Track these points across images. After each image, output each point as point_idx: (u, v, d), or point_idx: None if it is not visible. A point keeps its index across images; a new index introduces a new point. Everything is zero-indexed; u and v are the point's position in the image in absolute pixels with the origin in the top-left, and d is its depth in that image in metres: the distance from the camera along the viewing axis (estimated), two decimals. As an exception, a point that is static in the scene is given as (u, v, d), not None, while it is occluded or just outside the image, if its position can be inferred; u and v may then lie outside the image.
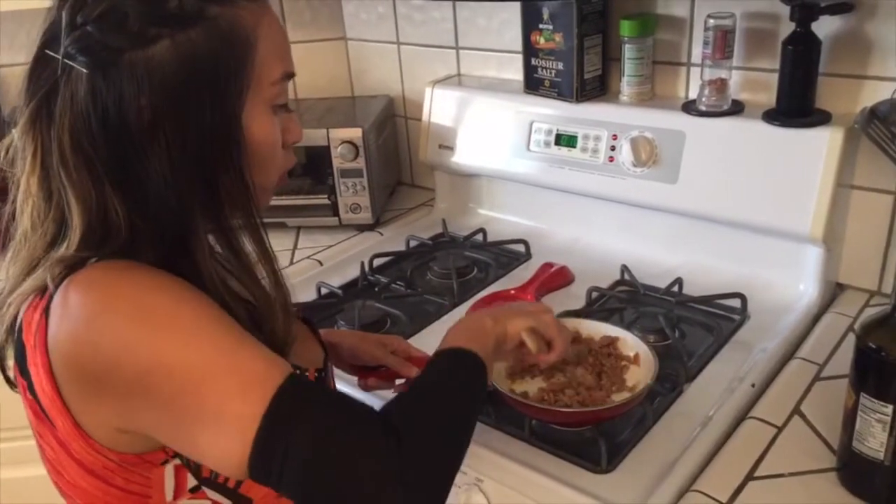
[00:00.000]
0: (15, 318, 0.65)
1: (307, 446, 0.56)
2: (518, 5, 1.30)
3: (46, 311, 0.60)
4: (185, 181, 0.61)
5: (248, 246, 0.66)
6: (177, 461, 0.64)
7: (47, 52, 0.60)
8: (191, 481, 0.65)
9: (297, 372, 0.60)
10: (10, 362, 0.68)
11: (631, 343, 0.94)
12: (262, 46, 0.63)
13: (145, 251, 0.62)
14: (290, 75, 0.67)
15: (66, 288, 0.59)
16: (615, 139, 1.22)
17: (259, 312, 0.66)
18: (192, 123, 0.60)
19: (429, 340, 1.08)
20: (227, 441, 0.56)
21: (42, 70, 0.61)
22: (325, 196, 1.45)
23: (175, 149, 0.60)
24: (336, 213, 1.46)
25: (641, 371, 0.90)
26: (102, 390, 0.58)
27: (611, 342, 0.95)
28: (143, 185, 0.61)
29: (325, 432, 0.57)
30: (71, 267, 0.61)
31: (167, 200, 0.61)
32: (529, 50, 1.29)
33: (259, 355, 0.59)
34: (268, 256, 0.67)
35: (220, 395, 0.56)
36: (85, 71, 0.58)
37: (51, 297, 0.60)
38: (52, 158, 0.61)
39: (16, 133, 0.64)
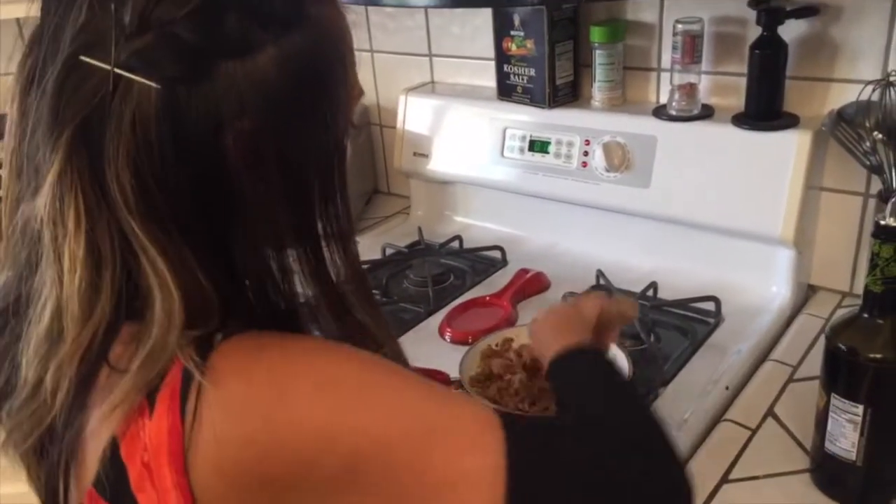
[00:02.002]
0: (79, 437, 0.49)
1: (565, 476, 0.48)
2: (489, 12, 1.30)
3: (182, 410, 0.45)
4: (283, 213, 0.50)
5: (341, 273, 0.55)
6: None
7: (87, 59, 0.44)
8: None
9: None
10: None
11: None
12: (351, 48, 0.53)
13: (240, 318, 0.50)
14: (362, 93, 0.60)
15: (213, 380, 0.45)
16: (588, 144, 1.22)
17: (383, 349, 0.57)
18: (301, 145, 0.50)
19: (405, 348, 1.06)
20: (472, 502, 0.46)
21: (76, 86, 0.45)
22: (300, 205, 1.44)
23: (277, 175, 0.49)
24: (311, 223, 1.44)
25: None
26: (284, 496, 0.46)
27: None
28: (234, 231, 0.49)
29: (572, 451, 0.50)
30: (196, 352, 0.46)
31: (257, 238, 0.50)
32: (502, 57, 1.29)
33: (461, 397, 0.53)
34: (376, 308, 0.58)
35: (450, 455, 0.46)
36: (155, 86, 0.44)
37: (183, 399, 0.45)
38: (101, 210, 0.45)
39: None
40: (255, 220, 0.49)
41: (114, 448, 0.47)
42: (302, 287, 0.53)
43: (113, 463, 0.47)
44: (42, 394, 0.47)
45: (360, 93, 0.58)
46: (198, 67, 0.45)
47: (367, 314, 0.56)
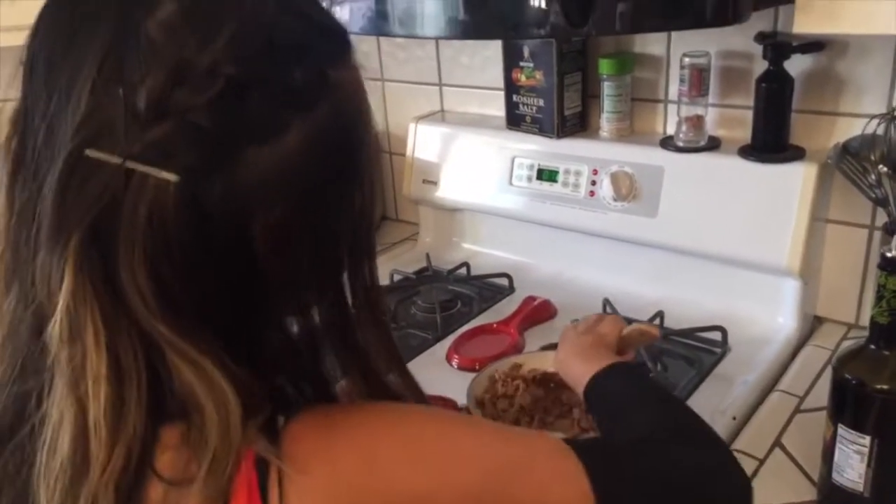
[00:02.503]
0: None
1: (647, 491, 0.53)
2: (499, 44, 1.32)
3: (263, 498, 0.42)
4: (318, 288, 0.49)
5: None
6: None
7: (95, 154, 0.39)
8: None
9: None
10: None
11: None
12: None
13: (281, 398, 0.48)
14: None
15: (296, 468, 0.42)
16: (595, 174, 1.23)
17: None
18: (333, 220, 0.47)
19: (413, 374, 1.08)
20: None
21: (82, 183, 0.40)
22: (309, 230, 1.45)
23: (310, 258, 0.46)
24: (320, 248, 1.46)
25: None
26: None
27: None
28: (262, 312, 0.46)
29: (650, 468, 0.54)
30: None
31: (293, 317, 0.48)
32: (511, 87, 1.31)
33: (529, 431, 0.57)
34: (410, 377, 0.56)
35: (539, 488, 0.48)
36: (174, 179, 0.39)
37: (262, 494, 0.42)
38: (121, 318, 0.41)
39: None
40: (282, 299, 0.47)
41: None
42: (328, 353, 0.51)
43: None
44: None
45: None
46: (221, 156, 0.40)
47: (396, 376, 0.55)
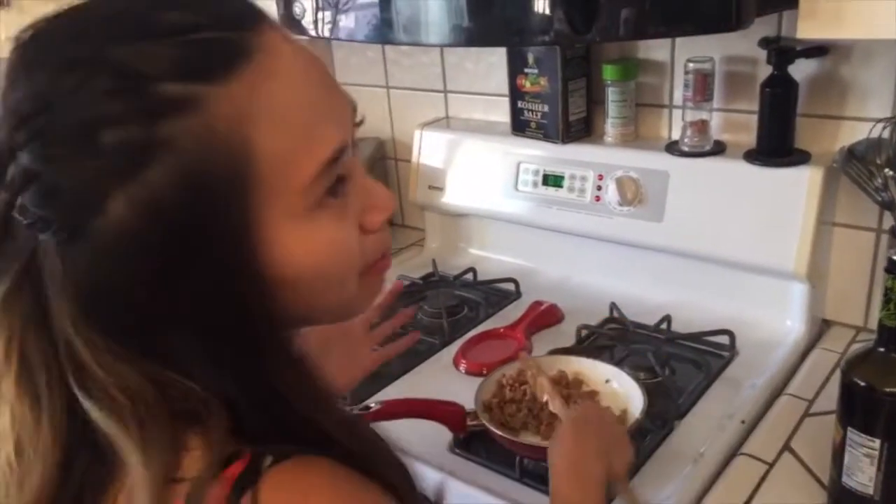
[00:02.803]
0: None
1: None
2: (503, 51, 1.33)
3: None
4: (218, 345, 0.44)
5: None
6: None
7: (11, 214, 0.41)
8: None
9: None
10: None
11: (620, 381, 0.95)
12: (263, 153, 0.42)
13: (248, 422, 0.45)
14: (333, 159, 0.45)
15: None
16: (601, 179, 1.24)
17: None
18: (197, 287, 0.43)
19: (420, 379, 1.09)
20: None
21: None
22: (316, 237, 1.46)
23: (190, 320, 0.43)
24: (326, 255, 1.46)
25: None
26: None
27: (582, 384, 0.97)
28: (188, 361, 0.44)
29: None
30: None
31: (218, 368, 0.45)
32: (515, 93, 1.32)
33: None
34: (322, 395, 0.49)
35: None
36: (53, 241, 0.41)
37: None
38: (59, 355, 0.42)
39: None
40: (198, 356, 0.44)
41: None
42: None
43: None
44: None
45: (323, 167, 0.45)
46: (71, 230, 0.41)
47: (322, 417, 0.48)
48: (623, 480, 0.76)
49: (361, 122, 0.51)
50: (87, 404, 0.42)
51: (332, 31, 1.06)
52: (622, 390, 0.95)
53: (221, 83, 0.41)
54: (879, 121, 0.95)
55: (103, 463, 0.43)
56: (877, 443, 0.71)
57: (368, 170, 1.52)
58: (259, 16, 0.45)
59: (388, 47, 1.55)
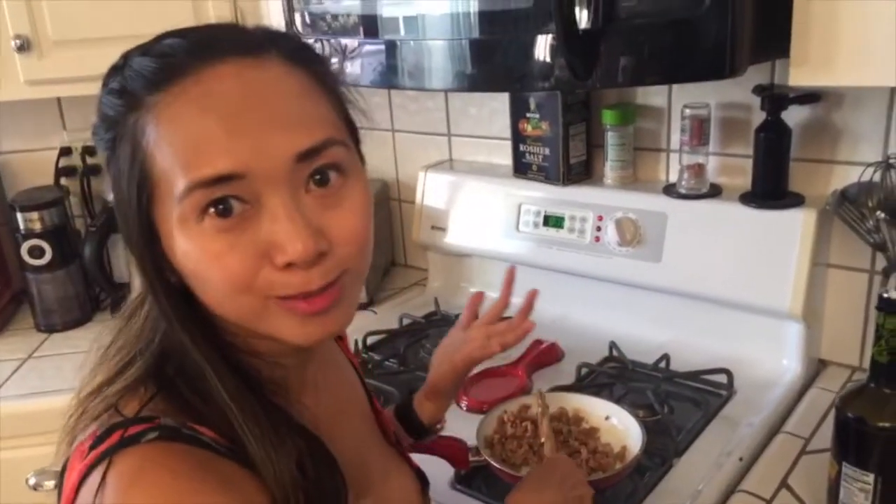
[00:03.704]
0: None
1: None
2: (506, 96, 1.37)
3: (83, 477, 0.50)
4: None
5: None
6: None
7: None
8: None
9: None
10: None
11: (620, 417, 0.96)
12: (162, 149, 0.51)
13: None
14: (223, 177, 0.49)
15: (110, 475, 0.49)
16: (601, 220, 1.27)
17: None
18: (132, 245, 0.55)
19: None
20: None
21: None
22: (321, 275, 1.48)
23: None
24: (331, 293, 1.48)
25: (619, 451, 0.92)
26: None
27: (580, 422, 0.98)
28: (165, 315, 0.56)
29: None
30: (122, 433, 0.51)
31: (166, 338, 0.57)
32: (518, 137, 1.36)
33: None
34: (240, 404, 0.54)
35: None
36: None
37: (92, 464, 0.50)
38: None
39: None
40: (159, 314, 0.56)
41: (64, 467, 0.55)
42: None
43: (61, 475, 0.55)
44: None
45: (188, 187, 0.51)
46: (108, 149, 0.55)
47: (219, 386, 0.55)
48: None
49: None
50: None
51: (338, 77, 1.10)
52: (622, 427, 0.96)
53: (157, 94, 0.51)
54: (870, 164, 0.98)
55: None
56: (871, 477, 0.72)
57: (374, 210, 1.55)
58: (226, 48, 0.52)
59: (394, 92, 1.60)
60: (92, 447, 0.51)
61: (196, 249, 0.51)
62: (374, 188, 1.62)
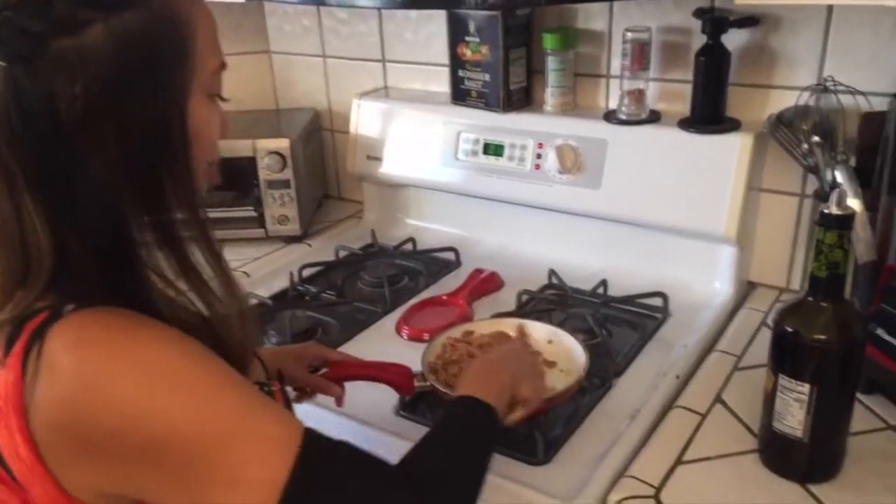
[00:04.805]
0: None
1: None
2: (444, 19, 1.33)
3: (23, 366, 0.53)
4: (124, 180, 0.56)
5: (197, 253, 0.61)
6: None
7: None
8: None
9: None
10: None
11: (562, 340, 0.97)
12: (200, 34, 0.58)
13: (78, 277, 0.56)
14: (225, 65, 0.63)
15: (51, 346, 0.53)
16: (541, 147, 1.26)
17: (215, 325, 0.62)
18: (133, 115, 0.55)
19: (362, 346, 1.09)
20: None
21: None
22: (251, 208, 1.43)
23: (113, 144, 0.54)
24: (262, 225, 1.44)
25: (564, 372, 0.93)
26: (99, 457, 0.53)
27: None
28: (73, 191, 0.55)
29: (357, 500, 0.56)
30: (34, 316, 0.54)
31: (103, 205, 0.55)
32: (456, 62, 1.32)
33: (274, 415, 0.57)
34: (218, 258, 0.62)
35: (239, 461, 0.53)
36: (2, 64, 0.52)
37: (25, 352, 0.53)
38: None
39: None
40: (98, 185, 0.55)
41: None
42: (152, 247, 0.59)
43: None
44: None
45: (219, 67, 0.61)
46: (32, 46, 0.51)
47: (214, 272, 0.61)
48: (528, 406, 0.78)
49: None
50: None
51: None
52: (564, 349, 0.97)
53: None
54: (806, 88, 1.00)
55: None
56: (806, 387, 0.75)
57: (306, 139, 1.50)
58: None
59: (324, 15, 1.52)
60: (9, 346, 0.54)
61: (206, 120, 0.60)
62: (306, 117, 1.56)
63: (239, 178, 1.41)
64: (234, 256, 1.40)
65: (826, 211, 0.71)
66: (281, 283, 1.28)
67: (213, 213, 1.38)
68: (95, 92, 0.53)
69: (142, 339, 0.55)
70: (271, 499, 0.52)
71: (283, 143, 1.39)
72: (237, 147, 1.39)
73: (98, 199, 0.55)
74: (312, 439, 0.56)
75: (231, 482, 0.53)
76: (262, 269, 1.36)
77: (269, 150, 1.39)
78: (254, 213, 1.43)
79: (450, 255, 1.35)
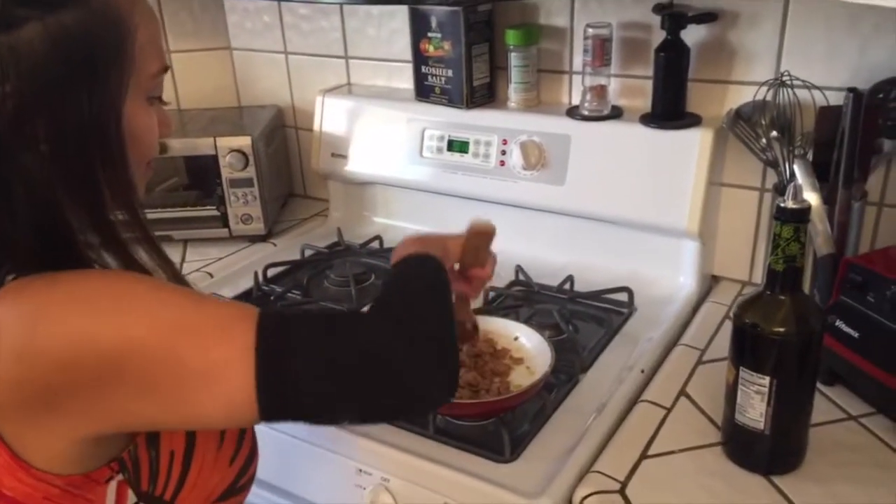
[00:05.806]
0: None
1: (315, 353, 0.55)
2: (406, 16, 1.32)
3: None
4: (59, 178, 0.56)
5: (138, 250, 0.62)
6: (120, 477, 0.60)
7: None
8: (131, 498, 0.61)
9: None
10: None
11: (529, 337, 0.97)
12: (140, 35, 0.59)
13: (22, 265, 0.57)
14: (166, 69, 0.64)
15: None
16: (505, 144, 1.25)
17: None
18: (66, 114, 0.55)
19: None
20: (227, 388, 0.53)
21: None
22: (214, 207, 1.41)
23: (46, 143, 0.55)
24: (226, 225, 1.42)
25: (530, 369, 0.93)
26: (63, 399, 0.53)
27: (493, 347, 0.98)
28: (9, 187, 0.55)
29: (326, 332, 0.56)
30: None
31: (40, 202, 0.56)
32: (419, 58, 1.31)
33: (224, 303, 0.58)
34: (164, 259, 0.63)
35: (202, 349, 0.53)
36: None
37: None
38: None
39: None
40: (33, 183, 0.55)
41: None
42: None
43: None
44: None
45: (160, 70, 0.62)
46: None
47: (146, 251, 0.62)
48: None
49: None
50: None
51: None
52: (530, 345, 0.97)
53: None
54: (763, 83, 1.01)
55: None
56: (766, 379, 0.76)
57: (268, 137, 1.49)
58: None
59: (285, 11, 1.51)
60: None
61: (144, 124, 0.61)
62: (268, 114, 1.54)
63: (201, 176, 1.39)
64: (197, 256, 1.38)
65: (782, 205, 0.72)
66: (246, 283, 1.27)
67: (176, 213, 1.40)
68: (27, 90, 0.53)
69: (78, 276, 0.56)
70: (247, 366, 0.53)
71: (245, 141, 1.37)
72: (198, 145, 1.36)
73: (33, 196, 0.56)
74: (266, 310, 0.57)
75: (203, 373, 0.53)
76: (226, 270, 1.34)
77: (230, 148, 1.37)
78: (217, 213, 1.41)
79: (416, 253, 1.34)
